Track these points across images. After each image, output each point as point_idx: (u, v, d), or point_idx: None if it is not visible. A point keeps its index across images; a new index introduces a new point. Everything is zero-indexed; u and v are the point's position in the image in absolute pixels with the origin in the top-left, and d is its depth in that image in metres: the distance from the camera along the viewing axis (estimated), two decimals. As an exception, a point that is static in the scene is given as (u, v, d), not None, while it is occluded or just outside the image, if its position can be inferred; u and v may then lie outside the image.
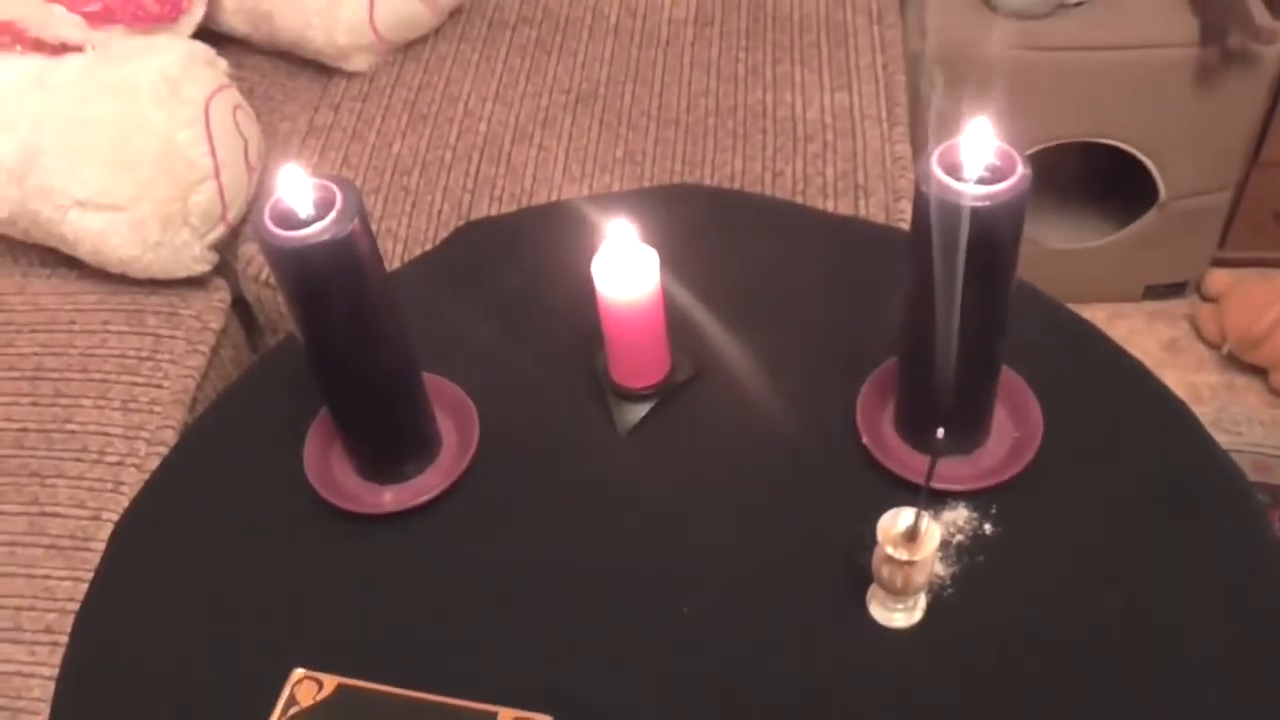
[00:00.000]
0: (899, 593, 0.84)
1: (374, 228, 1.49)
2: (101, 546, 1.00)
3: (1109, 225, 1.96)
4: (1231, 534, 0.91)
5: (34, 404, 1.37)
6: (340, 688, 0.85)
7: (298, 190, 0.82)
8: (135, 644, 0.92)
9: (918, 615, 0.87)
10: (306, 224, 0.80)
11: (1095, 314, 1.97)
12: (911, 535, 0.81)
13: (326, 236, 0.80)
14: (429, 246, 1.28)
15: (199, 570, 0.96)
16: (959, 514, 0.91)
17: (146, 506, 1.02)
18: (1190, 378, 1.93)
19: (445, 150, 1.59)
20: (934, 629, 0.86)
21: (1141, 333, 2.00)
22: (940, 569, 0.89)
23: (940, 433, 0.78)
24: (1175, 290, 2.04)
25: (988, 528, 0.91)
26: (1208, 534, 0.91)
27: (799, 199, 1.47)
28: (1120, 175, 1.89)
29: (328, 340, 0.88)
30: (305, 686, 0.85)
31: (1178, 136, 1.79)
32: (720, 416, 1.01)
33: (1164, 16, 1.72)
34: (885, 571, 0.83)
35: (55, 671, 0.95)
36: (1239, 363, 1.93)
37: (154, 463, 1.30)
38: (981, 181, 0.77)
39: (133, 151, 1.39)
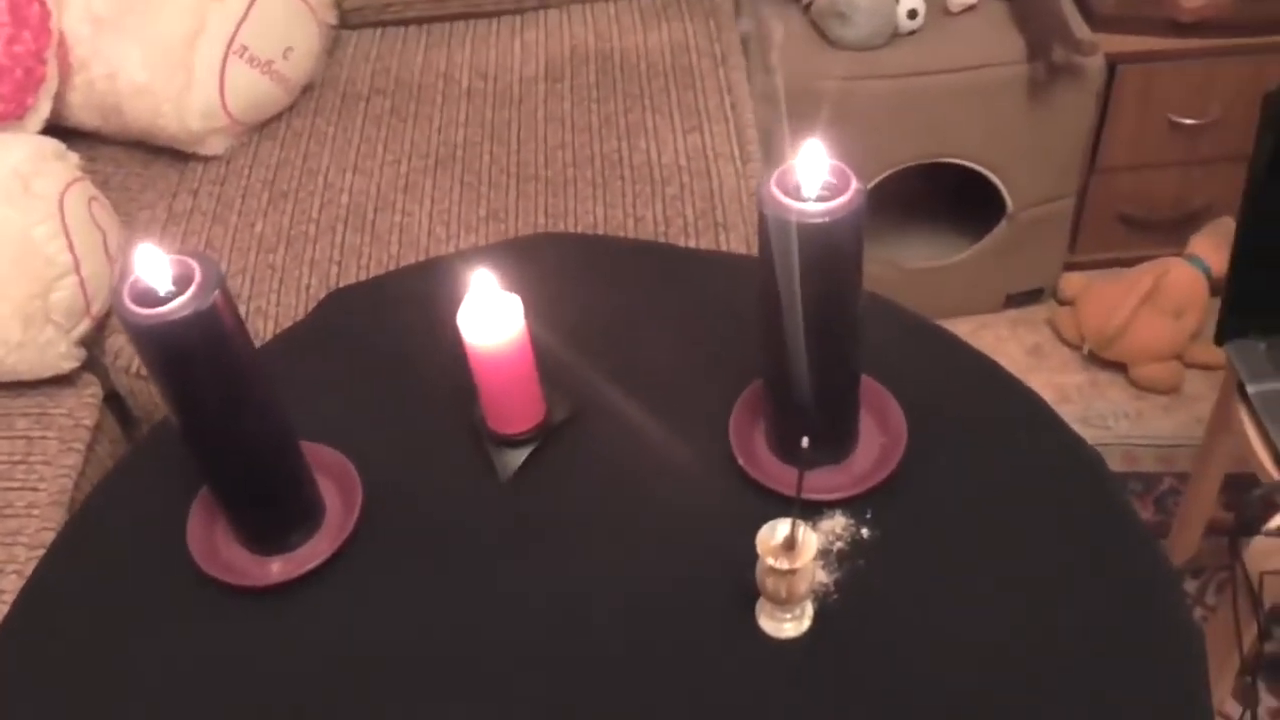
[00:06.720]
0: (784, 602, 0.87)
1: (243, 307, 1.49)
2: (-15, 655, 0.97)
3: (964, 241, 2.03)
4: (1094, 515, 0.95)
5: (-96, 517, 1.34)
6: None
7: (154, 268, 0.82)
8: (28, 745, 0.91)
9: (806, 624, 0.89)
10: (166, 300, 0.81)
11: (961, 327, 2.03)
12: (790, 544, 0.83)
13: (188, 310, 0.80)
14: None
15: (89, 667, 0.94)
16: (836, 521, 0.94)
17: (29, 610, 1.00)
18: (1056, 379, 2.00)
19: (309, 224, 1.59)
20: (823, 635, 0.89)
21: (1006, 340, 2.07)
22: (824, 576, 0.91)
23: (805, 442, 0.81)
24: (1033, 297, 2.12)
25: (865, 532, 0.94)
26: (1073, 517, 0.95)
27: (661, 240, 1.51)
28: (968, 192, 1.97)
29: (200, 414, 0.88)
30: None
31: (1018, 150, 1.87)
32: (600, 452, 1.03)
33: (992, 37, 1.80)
34: (769, 582, 0.85)
35: (-53, 782, 0.92)
36: (1100, 361, 2.00)
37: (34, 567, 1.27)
38: (819, 199, 0.81)
39: (-13, 252, 1.37)
